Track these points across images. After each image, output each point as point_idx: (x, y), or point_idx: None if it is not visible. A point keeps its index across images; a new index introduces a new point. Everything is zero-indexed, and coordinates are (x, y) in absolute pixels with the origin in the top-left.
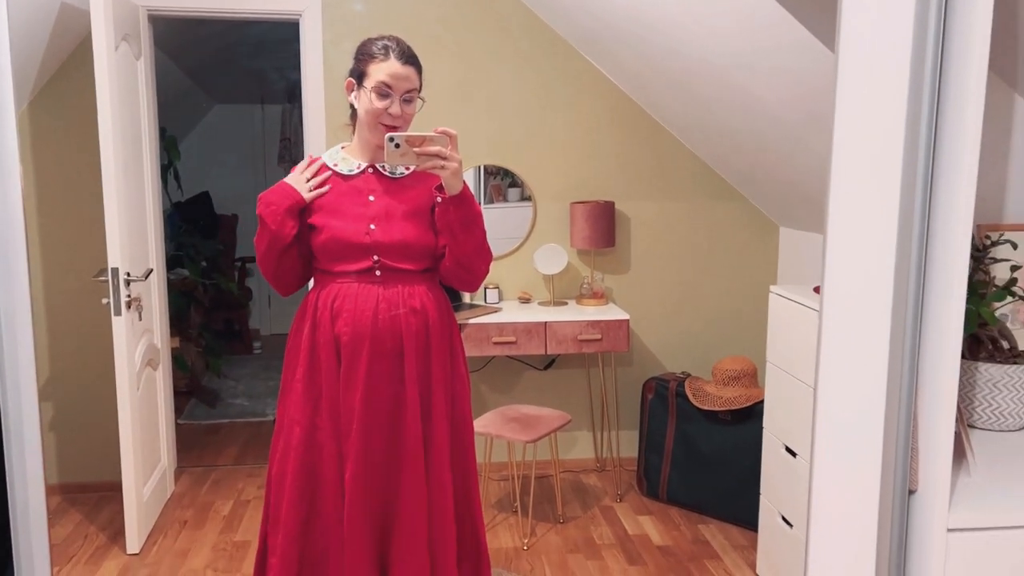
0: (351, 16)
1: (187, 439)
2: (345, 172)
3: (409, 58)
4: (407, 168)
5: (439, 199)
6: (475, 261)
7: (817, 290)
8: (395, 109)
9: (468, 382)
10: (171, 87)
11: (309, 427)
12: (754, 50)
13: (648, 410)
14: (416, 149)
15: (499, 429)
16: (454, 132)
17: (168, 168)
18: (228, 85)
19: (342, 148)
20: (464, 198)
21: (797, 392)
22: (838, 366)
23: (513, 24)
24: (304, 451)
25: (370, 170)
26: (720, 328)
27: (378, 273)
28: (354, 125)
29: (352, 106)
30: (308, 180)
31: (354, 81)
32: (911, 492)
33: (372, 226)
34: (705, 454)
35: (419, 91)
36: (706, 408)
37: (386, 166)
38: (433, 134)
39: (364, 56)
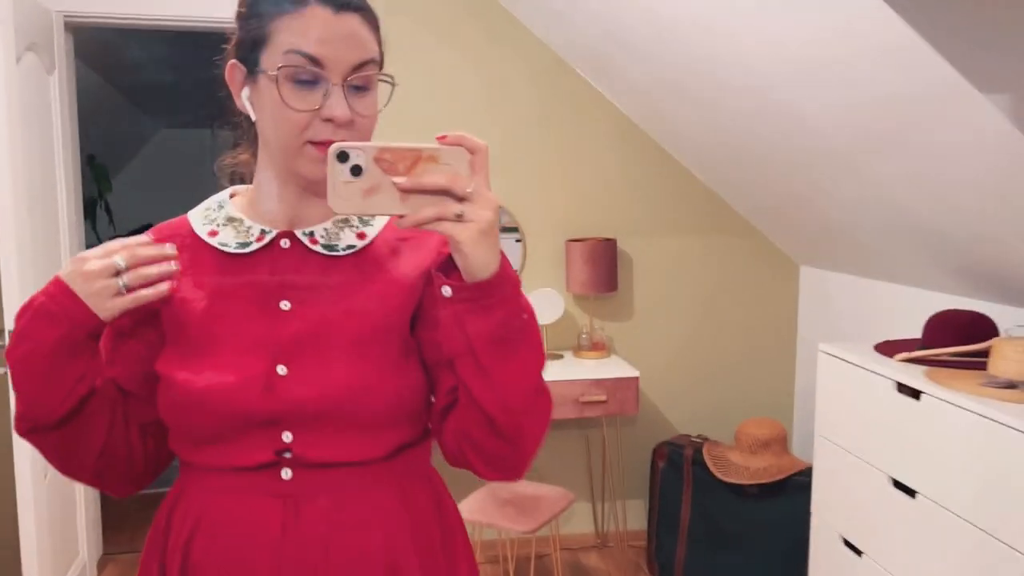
0: None
1: (113, 517)
2: (233, 248)
3: (346, 2)
4: (363, 223)
5: (445, 290)
6: (523, 420)
7: (882, 349)
8: (338, 110)
9: None
10: (107, 110)
11: None
12: (817, 58)
13: (660, 480)
14: (399, 180)
15: (491, 516)
16: (483, 144)
17: (97, 201)
18: (174, 108)
19: (231, 197)
20: (500, 285)
21: (860, 475)
22: None
23: (497, 36)
24: None
25: (284, 242)
26: (737, 383)
27: (287, 475)
28: (254, 149)
29: (245, 116)
30: (126, 270)
31: (240, 64)
32: None
33: (281, 368)
34: (728, 533)
35: (381, 65)
36: (731, 480)
37: (316, 233)
38: (437, 147)
39: (259, 10)
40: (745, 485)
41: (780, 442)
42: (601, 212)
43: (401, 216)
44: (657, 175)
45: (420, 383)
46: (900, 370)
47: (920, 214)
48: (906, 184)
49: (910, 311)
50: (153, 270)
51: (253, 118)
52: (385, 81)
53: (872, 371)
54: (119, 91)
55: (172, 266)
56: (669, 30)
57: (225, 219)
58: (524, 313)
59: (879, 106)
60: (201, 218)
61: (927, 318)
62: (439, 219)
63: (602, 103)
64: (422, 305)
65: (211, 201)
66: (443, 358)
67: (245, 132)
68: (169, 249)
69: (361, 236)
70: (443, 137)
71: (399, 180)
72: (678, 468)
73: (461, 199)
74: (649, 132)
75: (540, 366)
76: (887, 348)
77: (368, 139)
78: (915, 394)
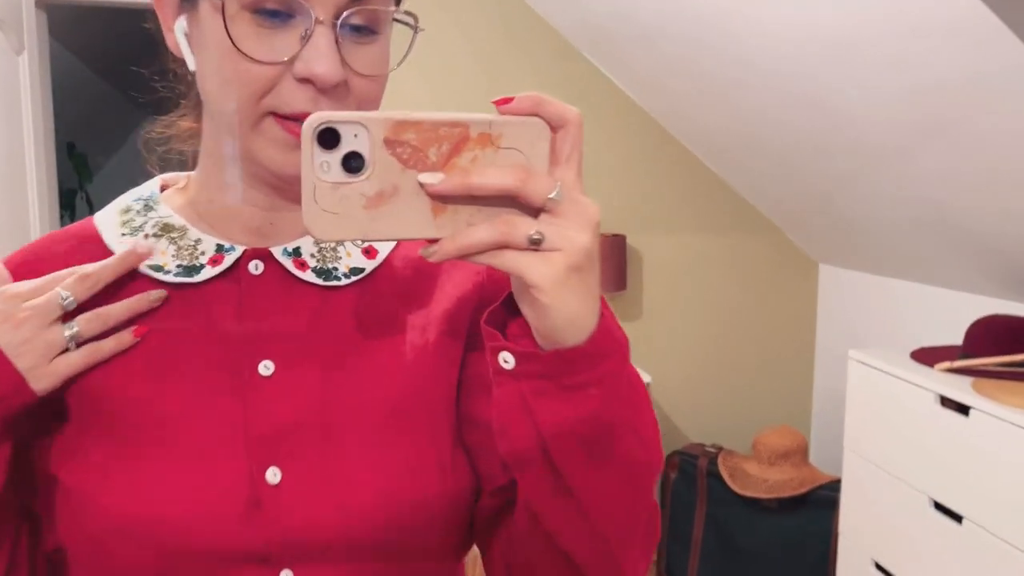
0: None
1: None
2: (173, 275)
3: None
4: (360, 246)
5: (505, 360)
6: (621, 555)
7: (920, 357)
8: (321, 64)
9: None
10: (88, 96)
11: None
12: (856, 40)
13: (671, 491)
14: (428, 178)
15: None
16: (574, 113)
17: (76, 192)
18: (163, 96)
19: (161, 190)
20: (600, 354)
21: (896, 495)
22: None
23: (495, 13)
24: None
25: (255, 265)
26: (753, 389)
27: None
28: (198, 114)
29: (181, 63)
30: (76, 310)
31: None
32: None
33: (272, 473)
34: (744, 548)
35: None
36: (748, 495)
37: (303, 250)
38: (495, 118)
39: None
40: (763, 499)
41: (800, 453)
42: (609, 206)
43: (432, 241)
44: (668, 167)
45: (465, 481)
46: (943, 381)
47: (964, 212)
48: (951, 179)
49: (942, 315)
50: (119, 308)
51: (192, 67)
52: (403, 22)
53: (911, 382)
54: (102, 77)
55: (154, 296)
56: (685, 7)
57: (157, 227)
58: (634, 395)
59: (928, 92)
60: (117, 225)
61: (968, 323)
62: (500, 246)
63: (610, 88)
64: (465, 361)
65: (130, 198)
66: (495, 450)
67: (187, 87)
68: (142, 249)
69: (370, 253)
70: (504, 101)
71: (429, 179)
72: (691, 479)
73: (538, 210)
74: (660, 120)
75: (653, 474)
76: (925, 356)
77: (378, 103)
78: (962, 408)
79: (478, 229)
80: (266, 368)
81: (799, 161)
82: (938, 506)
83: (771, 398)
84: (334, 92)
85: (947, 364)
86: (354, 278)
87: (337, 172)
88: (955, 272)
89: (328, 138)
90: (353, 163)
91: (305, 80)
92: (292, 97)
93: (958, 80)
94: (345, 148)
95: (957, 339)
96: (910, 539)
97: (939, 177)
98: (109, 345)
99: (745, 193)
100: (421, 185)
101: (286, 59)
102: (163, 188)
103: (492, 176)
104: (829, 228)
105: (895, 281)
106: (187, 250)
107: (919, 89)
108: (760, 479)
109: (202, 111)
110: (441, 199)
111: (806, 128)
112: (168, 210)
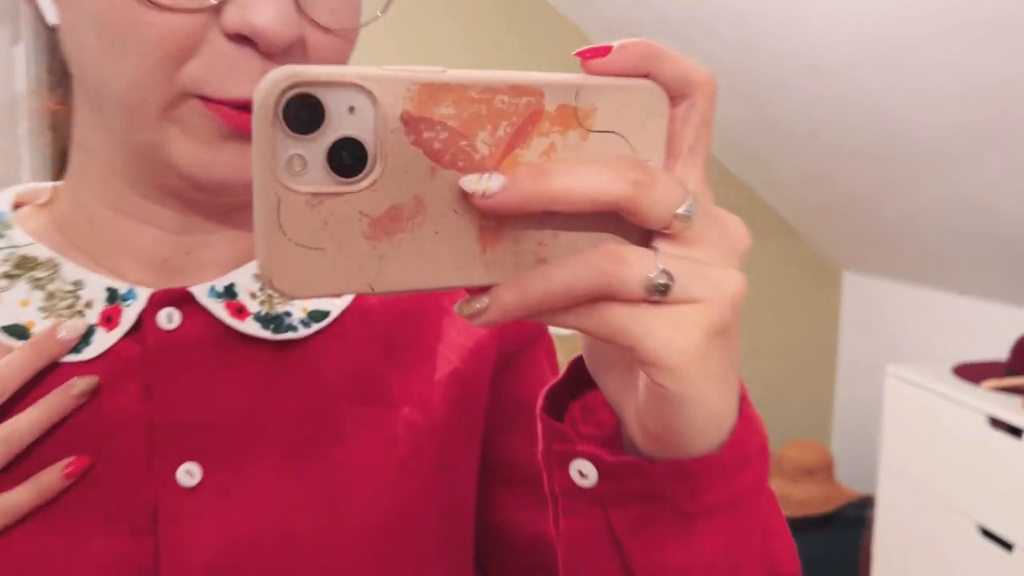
0: None
1: None
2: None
3: None
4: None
5: (582, 472)
6: None
7: (963, 373)
8: (265, 13)
9: None
10: None
11: None
12: (902, 38)
13: None
14: (476, 183)
15: None
16: (704, 74)
17: None
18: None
19: (13, 210)
20: (739, 465)
21: (938, 519)
22: None
23: (507, 5)
24: None
25: (168, 316)
26: (771, 400)
27: None
28: (66, 90)
29: (40, 20)
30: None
31: None
32: None
33: None
34: None
35: None
36: None
37: (239, 288)
38: (584, 80)
39: None
40: (788, 517)
41: (826, 469)
42: None
43: (477, 291)
44: None
45: None
46: (992, 400)
47: (1013, 220)
48: (1003, 186)
49: (978, 327)
50: (27, 421)
51: (51, 19)
52: None
53: (958, 401)
54: None
55: (78, 391)
56: (722, 1)
57: (10, 263)
58: (772, 516)
59: (982, 95)
60: None
61: (1008, 338)
62: (599, 297)
63: None
64: (486, 446)
65: None
66: None
67: (46, 51)
68: (66, 334)
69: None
70: (596, 52)
71: (479, 184)
72: None
73: (650, 235)
74: None
75: None
76: (969, 372)
77: (347, 57)
78: (1014, 431)
79: (560, 270)
80: (189, 475)
81: (834, 164)
82: (986, 532)
83: (790, 411)
84: (285, 56)
85: (995, 382)
86: (315, 326)
87: (319, 174)
88: (997, 283)
89: (303, 114)
90: (347, 158)
91: (241, 38)
92: (222, 66)
93: (1010, 83)
94: (333, 132)
95: (994, 353)
96: (953, 566)
97: (992, 184)
98: (25, 497)
99: (767, 195)
100: (464, 195)
101: (213, 3)
102: (18, 206)
103: (588, 178)
104: (858, 234)
105: (927, 290)
106: (63, 299)
107: (972, 92)
108: (784, 496)
109: (71, 86)
110: (496, 219)
111: (847, 130)
112: (24, 236)
